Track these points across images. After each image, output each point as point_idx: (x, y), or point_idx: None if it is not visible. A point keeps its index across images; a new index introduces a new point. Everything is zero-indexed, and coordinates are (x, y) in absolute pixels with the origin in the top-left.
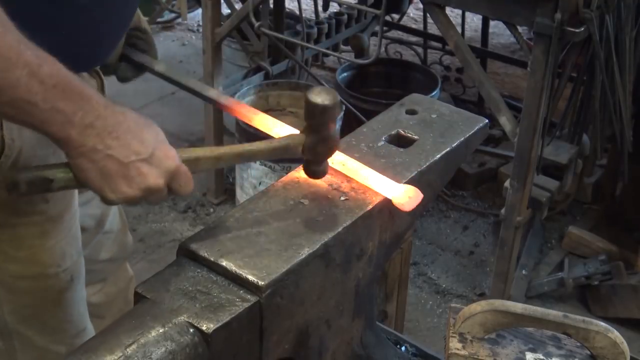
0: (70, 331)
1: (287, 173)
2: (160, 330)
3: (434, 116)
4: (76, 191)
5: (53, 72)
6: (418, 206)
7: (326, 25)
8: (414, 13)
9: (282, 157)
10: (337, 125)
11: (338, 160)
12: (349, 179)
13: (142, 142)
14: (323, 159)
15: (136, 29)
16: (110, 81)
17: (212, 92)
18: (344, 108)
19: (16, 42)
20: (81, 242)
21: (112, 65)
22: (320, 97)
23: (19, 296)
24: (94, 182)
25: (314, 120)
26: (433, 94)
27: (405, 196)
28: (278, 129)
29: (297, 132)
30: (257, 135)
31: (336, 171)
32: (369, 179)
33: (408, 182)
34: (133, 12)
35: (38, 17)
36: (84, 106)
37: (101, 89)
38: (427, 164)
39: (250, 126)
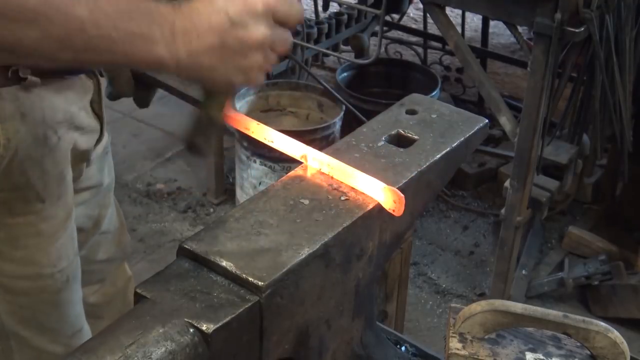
0: (67, 331)
1: (287, 173)
2: (160, 330)
3: (434, 116)
4: (72, 191)
5: (111, 0)
6: (418, 206)
7: (326, 25)
8: (414, 13)
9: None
10: (338, 125)
11: (326, 162)
12: None
13: (218, 12)
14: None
15: None
16: None
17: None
18: (344, 108)
19: None
20: (78, 243)
21: (127, 95)
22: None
23: (15, 297)
24: (219, 79)
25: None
26: (433, 94)
27: (391, 199)
28: (274, 138)
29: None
30: None
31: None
32: (358, 182)
33: (408, 182)
34: None
35: None
36: (154, 20)
37: (97, 90)
38: (427, 164)
39: None
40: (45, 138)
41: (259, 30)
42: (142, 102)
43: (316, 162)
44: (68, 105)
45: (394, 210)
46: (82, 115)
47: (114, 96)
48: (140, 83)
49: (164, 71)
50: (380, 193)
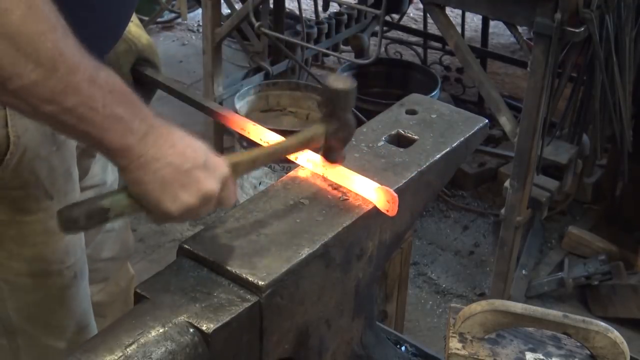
0: (74, 328)
1: (287, 173)
2: (160, 330)
3: (434, 116)
4: (79, 188)
5: (109, 79)
6: (418, 206)
7: (326, 25)
8: (414, 13)
9: (308, 148)
10: None
11: (319, 163)
12: None
13: (195, 149)
14: (344, 144)
15: (143, 61)
16: None
17: (211, 104)
18: None
19: (76, 48)
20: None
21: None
22: (339, 83)
23: (23, 293)
24: (153, 194)
25: (335, 107)
26: (433, 94)
27: (384, 200)
28: (272, 139)
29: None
30: None
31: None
32: (351, 183)
33: (408, 182)
34: (133, 7)
35: None
36: (139, 114)
37: None
38: (427, 164)
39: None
40: (53, 135)
41: (214, 186)
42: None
43: (309, 164)
44: None
45: (387, 211)
46: None
47: None
48: (138, 83)
49: (122, 161)
50: (374, 193)
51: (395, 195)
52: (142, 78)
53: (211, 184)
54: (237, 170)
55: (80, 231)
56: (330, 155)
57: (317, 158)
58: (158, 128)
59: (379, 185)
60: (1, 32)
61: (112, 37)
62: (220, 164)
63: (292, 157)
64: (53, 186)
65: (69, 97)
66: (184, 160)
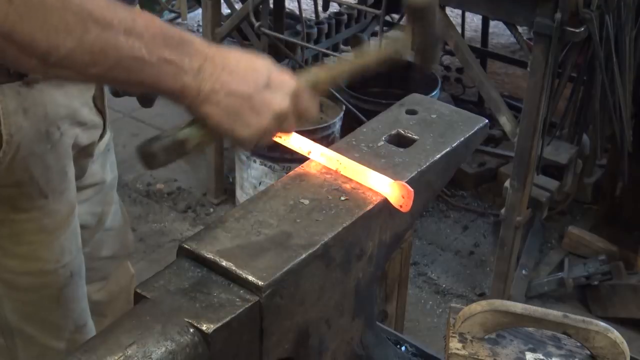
0: (71, 327)
1: (287, 173)
2: (160, 330)
3: (434, 116)
4: (75, 187)
5: (148, 24)
6: (418, 206)
7: (326, 25)
8: None
9: (393, 59)
10: (338, 125)
11: (334, 158)
12: (349, 179)
13: (255, 70)
14: (430, 54)
15: None
16: None
17: None
18: (344, 108)
19: (105, 2)
20: (82, 240)
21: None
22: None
23: (19, 293)
24: (223, 124)
25: (416, 20)
26: (433, 94)
27: (399, 195)
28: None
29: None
30: None
31: (336, 171)
32: (365, 178)
33: (408, 182)
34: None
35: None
36: (188, 51)
37: (99, 86)
38: (427, 164)
39: None
40: (47, 134)
41: (284, 103)
42: (146, 101)
43: (324, 159)
44: (70, 100)
45: (401, 206)
46: (84, 110)
47: (117, 92)
48: None
49: (183, 101)
50: (389, 188)
51: (411, 190)
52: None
53: (280, 102)
54: (315, 84)
55: (160, 166)
56: (425, 60)
57: (332, 153)
58: (212, 59)
59: (395, 181)
60: (25, 10)
61: None
62: (287, 79)
63: (305, 153)
64: (48, 185)
65: (109, 54)
66: (245, 85)
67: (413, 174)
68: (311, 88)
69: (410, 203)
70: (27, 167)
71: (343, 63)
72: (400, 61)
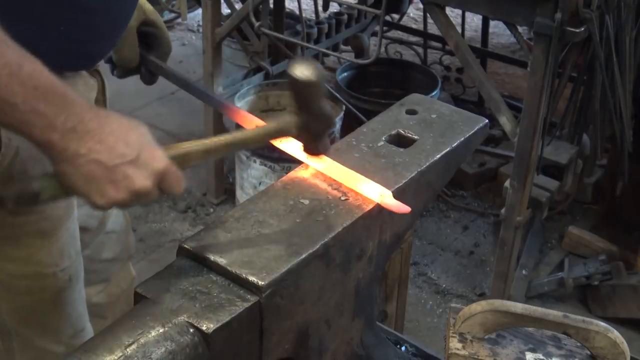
0: (69, 331)
1: (287, 173)
2: (160, 330)
3: (434, 116)
4: None
5: (35, 74)
6: (418, 206)
7: (326, 25)
8: (414, 13)
9: (275, 140)
10: (338, 125)
11: (326, 166)
12: None
13: (127, 144)
14: (320, 137)
15: (146, 24)
16: (111, 81)
17: (215, 95)
18: (344, 108)
19: (1, 42)
20: (83, 242)
21: (133, 69)
22: (301, 71)
23: (17, 296)
24: (80, 188)
25: (300, 98)
26: (433, 94)
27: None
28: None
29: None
30: None
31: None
32: (357, 185)
33: (408, 182)
34: (133, 8)
35: (35, 13)
36: (66, 110)
37: (102, 89)
38: (427, 164)
39: None
40: None
41: (146, 182)
42: (149, 78)
43: (319, 165)
44: None
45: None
46: None
47: (118, 70)
48: (145, 68)
49: (46, 153)
50: (380, 198)
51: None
52: (148, 64)
53: (141, 181)
54: (187, 160)
55: (9, 212)
56: (310, 147)
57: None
58: (88, 122)
59: (384, 192)
60: None
61: (111, 39)
62: (157, 158)
63: (297, 155)
64: None
65: None
66: (111, 157)
67: (413, 174)
68: (181, 162)
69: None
70: (26, 170)
71: (221, 139)
72: (288, 137)
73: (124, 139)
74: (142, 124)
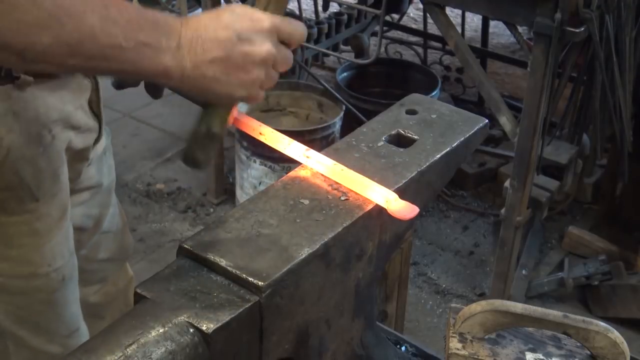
0: (63, 331)
1: (287, 173)
2: (160, 330)
3: (434, 116)
4: (68, 190)
5: (121, 9)
6: (418, 206)
7: (326, 25)
8: (414, 13)
9: None
10: (338, 125)
11: (329, 166)
12: None
13: (225, 28)
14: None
15: None
16: (110, 80)
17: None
18: (344, 108)
19: None
20: (79, 242)
21: (132, 84)
22: None
23: (10, 296)
24: (220, 92)
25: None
26: (433, 94)
27: (399, 204)
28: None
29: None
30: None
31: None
32: (362, 188)
33: (408, 182)
34: None
35: None
36: (162, 31)
37: (95, 89)
38: (427, 164)
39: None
40: (39, 137)
41: (264, 47)
42: (154, 92)
43: (322, 168)
44: (63, 104)
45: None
46: (78, 114)
47: (119, 85)
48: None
49: (169, 82)
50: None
51: (416, 208)
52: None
53: (259, 48)
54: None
55: (207, 163)
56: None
57: (327, 161)
58: (185, 34)
59: (396, 196)
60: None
61: None
62: (256, 22)
63: (301, 159)
64: (39, 188)
65: (87, 45)
66: (220, 48)
67: (413, 174)
68: (278, 8)
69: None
70: (18, 170)
71: None
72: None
73: (220, 26)
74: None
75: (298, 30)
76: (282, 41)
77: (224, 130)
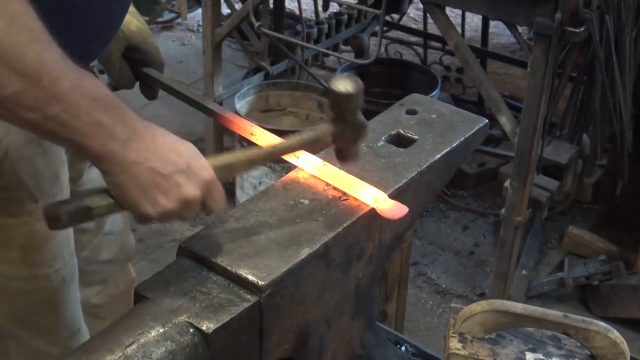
0: (64, 332)
1: (287, 173)
2: (160, 330)
3: (434, 116)
4: (68, 190)
5: (93, 87)
6: (418, 206)
7: (326, 25)
8: (414, 13)
9: (313, 149)
10: None
11: (318, 166)
12: None
13: (178, 153)
14: (353, 144)
15: (134, 50)
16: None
17: (213, 105)
18: None
19: (60, 57)
20: (81, 243)
21: (128, 87)
22: (343, 85)
23: (11, 297)
24: (132, 197)
25: (339, 109)
26: (433, 94)
27: (387, 204)
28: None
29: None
30: None
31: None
32: (351, 187)
33: (408, 182)
34: (125, 8)
35: None
36: (123, 120)
37: None
38: (427, 164)
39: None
40: (38, 138)
41: (195, 192)
42: (149, 93)
43: (311, 167)
44: None
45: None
46: None
47: (114, 87)
48: (141, 81)
49: (105, 166)
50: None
51: (405, 208)
52: (144, 77)
53: (191, 190)
54: (232, 170)
55: (64, 228)
56: (341, 154)
57: (318, 161)
58: (141, 132)
59: (386, 197)
60: None
61: (103, 40)
62: (205, 169)
63: (292, 159)
64: (38, 189)
65: (52, 105)
66: (165, 164)
67: (413, 174)
68: (224, 173)
69: (398, 213)
70: (16, 171)
71: (262, 149)
72: (325, 146)
73: (175, 149)
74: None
75: (219, 203)
76: (204, 200)
77: (94, 219)
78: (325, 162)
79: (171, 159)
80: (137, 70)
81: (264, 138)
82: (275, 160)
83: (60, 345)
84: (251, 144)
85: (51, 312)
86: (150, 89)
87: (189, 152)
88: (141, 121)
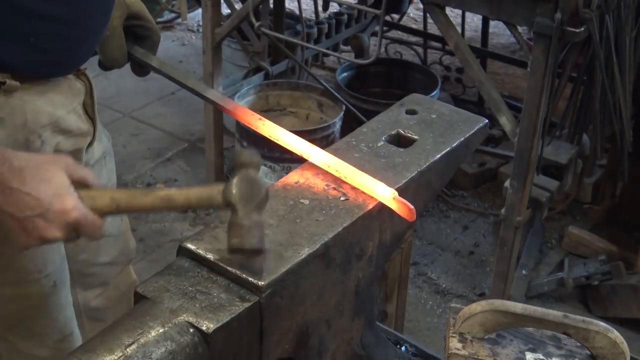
0: (56, 336)
1: (287, 173)
2: (160, 330)
3: (434, 116)
4: None
5: None
6: (418, 206)
7: (326, 25)
8: (414, 13)
9: (204, 207)
10: (338, 125)
11: (331, 163)
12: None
13: (37, 197)
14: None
15: (130, 17)
16: (111, 80)
17: (215, 95)
18: (344, 108)
19: None
20: (78, 246)
21: (119, 64)
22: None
23: (1, 302)
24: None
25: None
26: (433, 94)
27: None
28: (281, 133)
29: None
30: (257, 135)
31: (336, 171)
32: (364, 184)
33: (408, 182)
34: (107, 15)
35: (2, 25)
36: None
37: (90, 92)
38: (427, 164)
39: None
40: (27, 142)
41: (56, 234)
42: (140, 71)
43: (324, 165)
44: (54, 108)
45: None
46: (71, 118)
47: (105, 66)
48: (134, 63)
49: None
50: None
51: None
52: (136, 60)
53: (52, 232)
54: (109, 208)
55: None
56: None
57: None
58: (1, 174)
59: (397, 196)
60: None
61: (89, 45)
62: (67, 211)
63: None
64: None
65: None
66: (20, 209)
67: (413, 174)
68: (102, 210)
69: (408, 212)
70: None
71: (147, 196)
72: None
73: (35, 191)
74: (66, 162)
75: (95, 236)
76: (80, 233)
77: None
78: (337, 160)
79: (27, 203)
80: (131, 47)
81: (246, 118)
82: (161, 209)
83: (51, 348)
84: (252, 143)
85: (42, 317)
86: (141, 67)
87: (51, 193)
88: (4, 162)
